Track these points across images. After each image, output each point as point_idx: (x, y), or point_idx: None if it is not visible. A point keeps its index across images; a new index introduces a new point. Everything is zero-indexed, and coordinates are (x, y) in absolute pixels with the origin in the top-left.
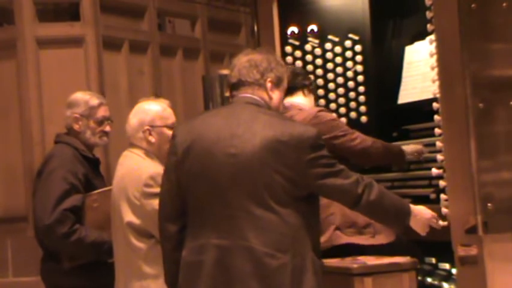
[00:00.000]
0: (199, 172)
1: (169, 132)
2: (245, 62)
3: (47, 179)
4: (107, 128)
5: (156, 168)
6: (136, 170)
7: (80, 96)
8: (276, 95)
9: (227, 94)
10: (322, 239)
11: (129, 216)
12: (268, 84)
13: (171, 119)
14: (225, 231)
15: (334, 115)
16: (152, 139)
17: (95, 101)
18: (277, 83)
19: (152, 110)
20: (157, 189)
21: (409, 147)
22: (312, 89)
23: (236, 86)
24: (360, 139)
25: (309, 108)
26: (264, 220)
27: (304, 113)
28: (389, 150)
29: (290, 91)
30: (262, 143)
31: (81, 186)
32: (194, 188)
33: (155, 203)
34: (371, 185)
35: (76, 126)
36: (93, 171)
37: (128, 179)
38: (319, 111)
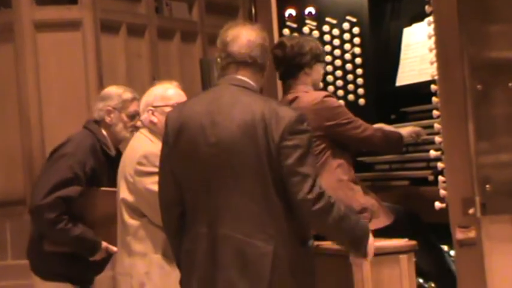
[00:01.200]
0: (187, 162)
1: None
2: (245, 41)
3: (56, 162)
4: (138, 123)
5: (152, 147)
6: (135, 148)
7: (113, 90)
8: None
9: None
10: None
11: (124, 193)
12: (265, 65)
13: (175, 99)
14: (211, 221)
15: (339, 101)
16: (154, 119)
17: (128, 95)
18: (267, 62)
19: (154, 91)
20: (149, 168)
21: (407, 129)
22: (313, 61)
23: (231, 65)
24: (362, 128)
25: (315, 80)
26: (246, 210)
27: (310, 96)
28: (389, 138)
29: (292, 74)
30: (240, 128)
31: (84, 179)
32: (185, 177)
33: (146, 181)
34: (330, 208)
35: (108, 119)
36: (107, 167)
37: (128, 157)
38: (326, 96)
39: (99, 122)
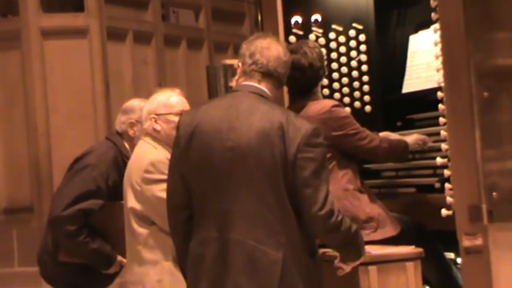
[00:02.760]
0: (199, 165)
1: (176, 119)
2: (275, 55)
3: (79, 172)
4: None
5: (158, 155)
6: (141, 156)
7: (136, 103)
8: None
9: (233, 84)
10: None
11: (131, 202)
12: (284, 82)
13: (178, 106)
14: (222, 225)
15: (347, 111)
16: (158, 127)
17: None
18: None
19: (157, 99)
20: (157, 176)
21: (412, 137)
22: (320, 76)
23: (255, 74)
24: (368, 139)
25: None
26: (258, 216)
27: (318, 105)
28: (394, 149)
29: (309, 90)
30: (258, 135)
31: (106, 192)
32: (196, 181)
33: (154, 189)
34: (339, 225)
35: (131, 132)
36: None
37: (133, 165)
38: (334, 105)
39: (122, 135)
